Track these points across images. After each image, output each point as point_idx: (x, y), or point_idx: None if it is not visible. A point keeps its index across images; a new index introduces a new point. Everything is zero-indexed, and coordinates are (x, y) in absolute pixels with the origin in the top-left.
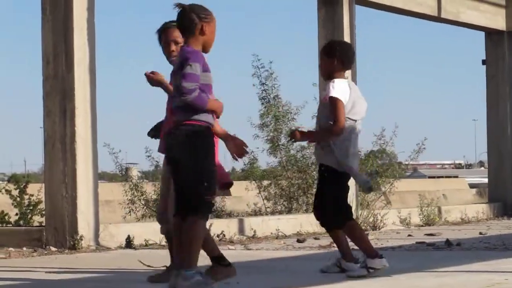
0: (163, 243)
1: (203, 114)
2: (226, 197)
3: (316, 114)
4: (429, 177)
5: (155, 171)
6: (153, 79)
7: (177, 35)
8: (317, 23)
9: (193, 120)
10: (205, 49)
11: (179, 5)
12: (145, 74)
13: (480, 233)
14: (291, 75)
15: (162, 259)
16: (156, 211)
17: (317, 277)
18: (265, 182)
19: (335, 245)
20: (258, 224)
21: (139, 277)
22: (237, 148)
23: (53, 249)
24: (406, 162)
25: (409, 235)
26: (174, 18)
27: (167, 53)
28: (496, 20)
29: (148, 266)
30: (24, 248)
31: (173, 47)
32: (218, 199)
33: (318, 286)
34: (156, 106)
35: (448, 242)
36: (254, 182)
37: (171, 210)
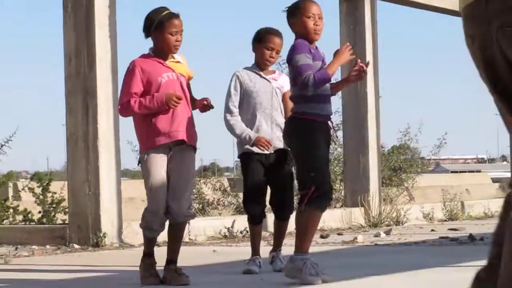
0: (186, 239)
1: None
2: None
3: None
4: (452, 172)
5: None
6: None
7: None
8: (338, 18)
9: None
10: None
11: None
12: None
13: None
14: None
15: (186, 255)
16: None
17: (342, 272)
18: None
19: (358, 240)
20: None
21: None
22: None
23: (76, 246)
24: (428, 157)
25: (432, 230)
26: (194, 12)
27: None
28: None
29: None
30: (48, 246)
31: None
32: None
33: (342, 282)
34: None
35: (471, 237)
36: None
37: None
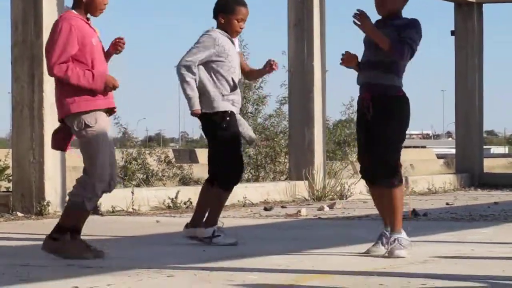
0: (130, 209)
1: None
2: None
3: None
4: None
5: (123, 138)
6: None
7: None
8: None
9: None
10: None
11: None
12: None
13: (447, 204)
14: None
15: (128, 225)
16: None
17: (286, 245)
18: None
19: (301, 213)
20: None
21: (105, 243)
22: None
23: (19, 215)
24: None
25: None
26: None
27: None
28: None
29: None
30: None
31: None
32: (186, 167)
33: (285, 255)
34: (116, 68)
35: (414, 212)
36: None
37: None
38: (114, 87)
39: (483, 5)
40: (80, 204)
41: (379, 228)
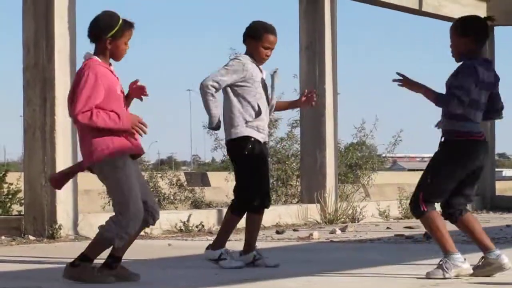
0: (142, 233)
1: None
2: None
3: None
4: (409, 170)
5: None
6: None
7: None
8: (298, 15)
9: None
10: None
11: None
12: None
13: None
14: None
15: (141, 248)
16: None
17: (298, 268)
18: None
19: (313, 236)
20: None
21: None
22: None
23: (31, 238)
24: (384, 155)
25: (388, 228)
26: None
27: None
28: (478, 14)
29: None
30: (3, 237)
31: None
32: (197, 190)
33: (296, 278)
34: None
35: (426, 235)
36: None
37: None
38: (141, 127)
39: (494, 28)
40: (110, 240)
41: (390, 251)
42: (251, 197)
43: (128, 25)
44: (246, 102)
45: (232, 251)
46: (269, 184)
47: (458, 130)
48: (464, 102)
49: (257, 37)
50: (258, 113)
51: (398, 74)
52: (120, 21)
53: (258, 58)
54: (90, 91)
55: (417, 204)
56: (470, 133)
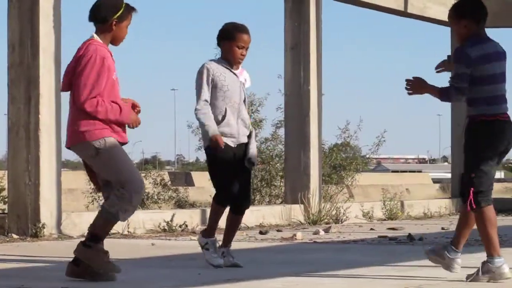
0: (125, 232)
1: None
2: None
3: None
4: (393, 172)
5: None
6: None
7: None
8: (283, 15)
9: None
10: None
11: None
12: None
13: (443, 228)
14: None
15: (124, 248)
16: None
17: (281, 269)
18: None
19: (297, 237)
20: None
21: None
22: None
23: (15, 236)
24: (368, 156)
25: (371, 229)
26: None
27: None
28: None
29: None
30: None
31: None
32: (181, 190)
33: (278, 278)
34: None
35: (410, 237)
36: None
37: None
38: (137, 124)
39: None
40: (115, 215)
41: (374, 252)
42: (219, 196)
43: (131, 9)
44: (214, 107)
45: (218, 245)
46: (241, 186)
47: (482, 114)
48: (461, 88)
49: (231, 38)
50: (223, 118)
51: (408, 80)
52: (124, 3)
53: (233, 59)
54: (95, 76)
55: (470, 202)
56: (494, 115)
